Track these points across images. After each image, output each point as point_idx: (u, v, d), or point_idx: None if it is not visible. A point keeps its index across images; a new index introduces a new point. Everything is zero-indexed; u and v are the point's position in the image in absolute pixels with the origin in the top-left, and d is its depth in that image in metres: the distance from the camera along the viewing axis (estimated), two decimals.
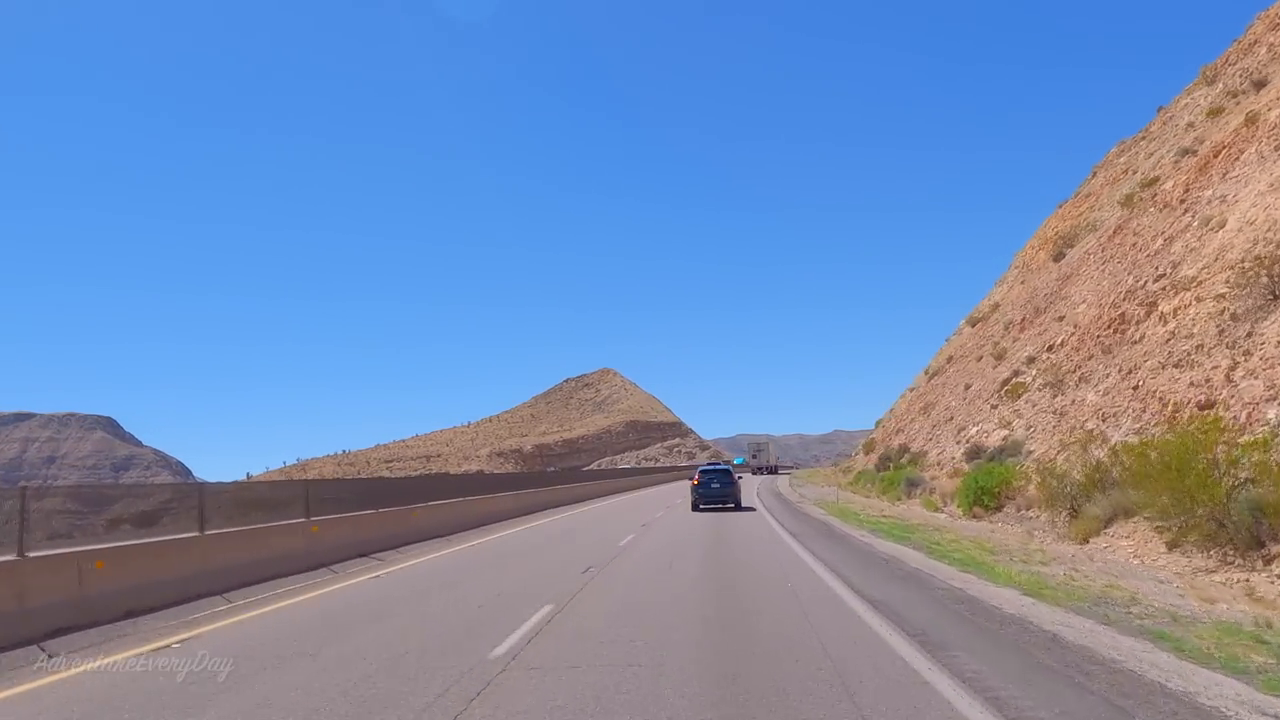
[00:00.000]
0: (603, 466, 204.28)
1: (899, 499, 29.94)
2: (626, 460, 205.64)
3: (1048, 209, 62.71)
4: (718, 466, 32.68)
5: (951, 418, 36.55)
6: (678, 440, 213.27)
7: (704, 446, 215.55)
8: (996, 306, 51.08)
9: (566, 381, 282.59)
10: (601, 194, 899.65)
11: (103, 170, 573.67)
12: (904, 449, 40.13)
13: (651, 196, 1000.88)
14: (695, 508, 29.65)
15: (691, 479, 32.20)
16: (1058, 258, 41.18)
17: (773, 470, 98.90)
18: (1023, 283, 49.59)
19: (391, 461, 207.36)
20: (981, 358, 42.99)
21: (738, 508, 30.33)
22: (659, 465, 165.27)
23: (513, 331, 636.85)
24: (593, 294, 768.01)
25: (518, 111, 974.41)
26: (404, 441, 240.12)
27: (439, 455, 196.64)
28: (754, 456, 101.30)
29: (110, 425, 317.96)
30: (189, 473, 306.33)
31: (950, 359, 53.28)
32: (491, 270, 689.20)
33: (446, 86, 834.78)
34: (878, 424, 79.87)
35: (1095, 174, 53.61)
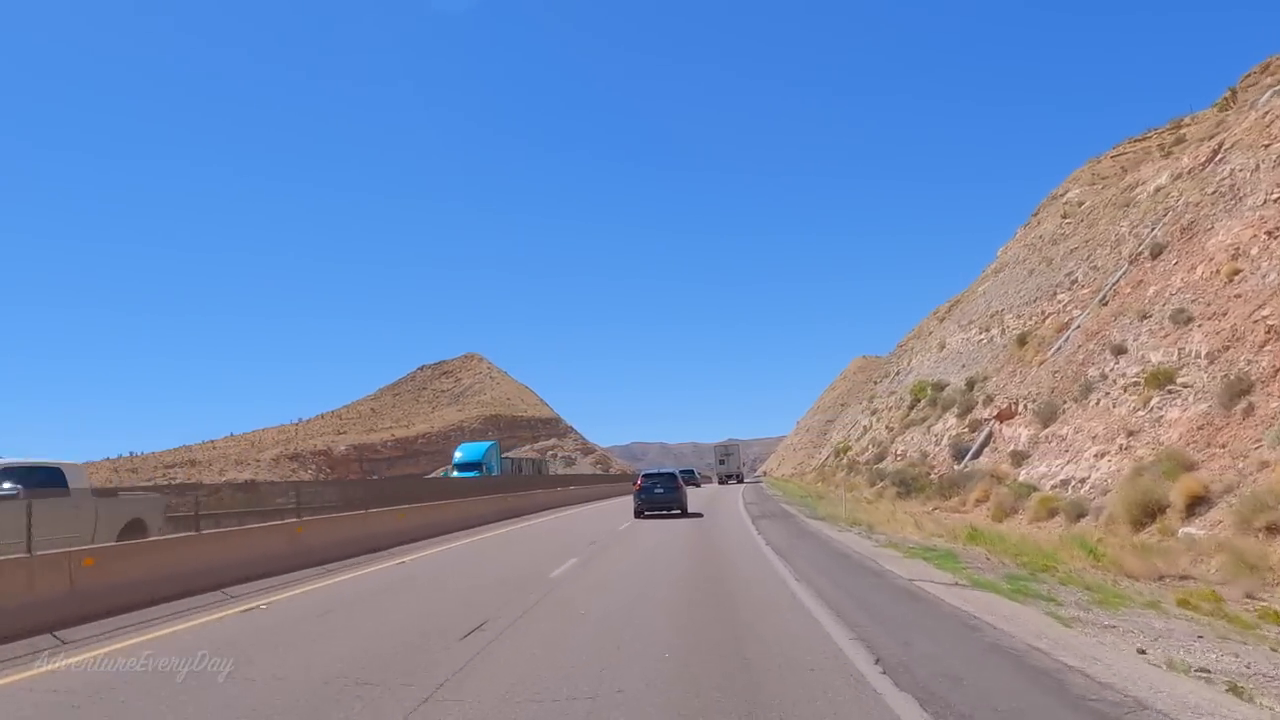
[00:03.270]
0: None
1: None
2: None
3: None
4: (662, 470, 30.55)
5: None
6: (554, 441, 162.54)
7: (588, 449, 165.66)
8: None
9: (421, 370, 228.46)
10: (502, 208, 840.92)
11: None
12: None
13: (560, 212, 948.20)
14: (639, 515, 27.02)
15: (634, 483, 29.83)
16: None
17: (739, 479, 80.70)
18: None
19: (173, 466, 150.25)
20: None
21: (684, 514, 27.36)
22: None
23: (373, 318, 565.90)
24: (466, 286, 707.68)
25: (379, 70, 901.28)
26: (214, 442, 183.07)
27: (206, 461, 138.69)
28: (721, 462, 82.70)
29: None
30: None
31: None
32: (358, 249, 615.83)
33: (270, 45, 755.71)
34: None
35: None
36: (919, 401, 48.01)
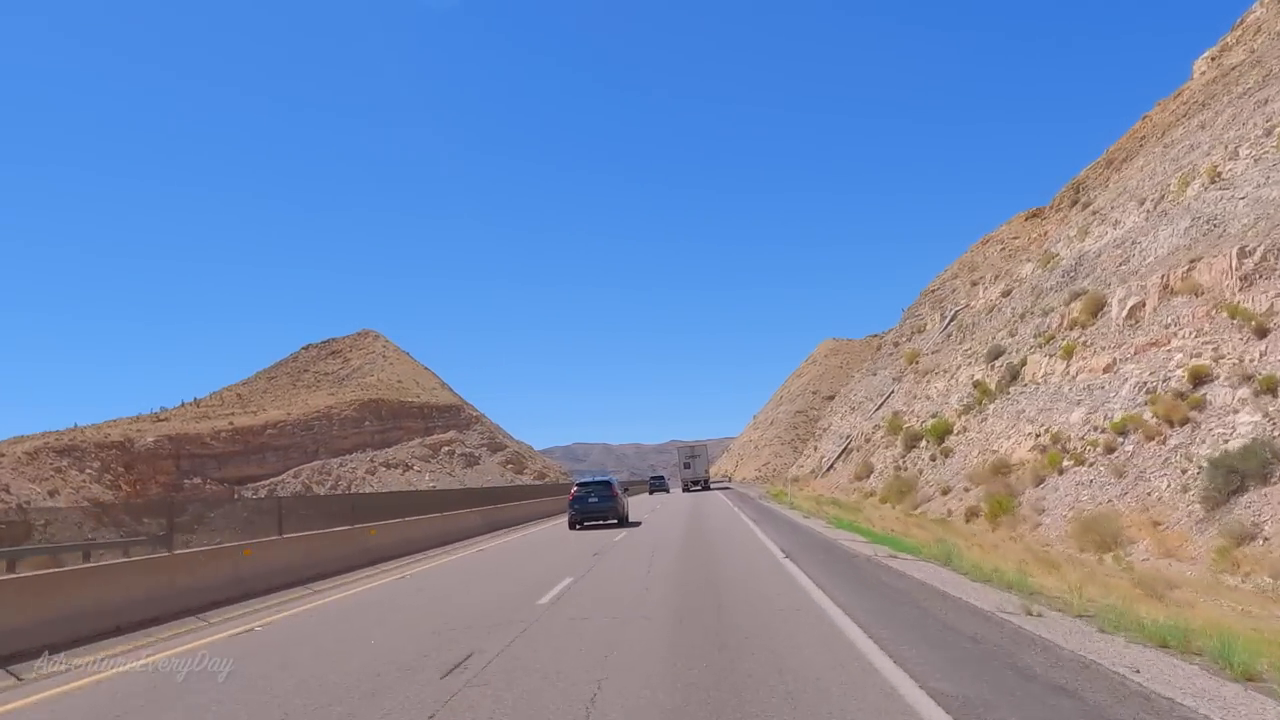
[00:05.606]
0: (304, 480, 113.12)
1: None
2: (352, 465, 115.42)
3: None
4: (598, 479, 29.64)
5: None
6: (453, 434, 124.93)
7: (497, 445, 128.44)
8: None
9: (306, 349, 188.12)
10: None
11: None
12: None
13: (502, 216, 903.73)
14: (574, 525, 26.40)
15: (569, 492, 28.97)
16: None
17: (706, 485, 70.24)
18: None
19: None
20: None
21: (623, 524, 26.40)
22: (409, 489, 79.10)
23: (273, 295, 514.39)
24: (411, 287, 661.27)
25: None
26: (81, 428, 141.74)
27: None
28: (686, 466, 71.58)
29: None
30: None
31: None
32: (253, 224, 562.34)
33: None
34: None
35: None
36: None
